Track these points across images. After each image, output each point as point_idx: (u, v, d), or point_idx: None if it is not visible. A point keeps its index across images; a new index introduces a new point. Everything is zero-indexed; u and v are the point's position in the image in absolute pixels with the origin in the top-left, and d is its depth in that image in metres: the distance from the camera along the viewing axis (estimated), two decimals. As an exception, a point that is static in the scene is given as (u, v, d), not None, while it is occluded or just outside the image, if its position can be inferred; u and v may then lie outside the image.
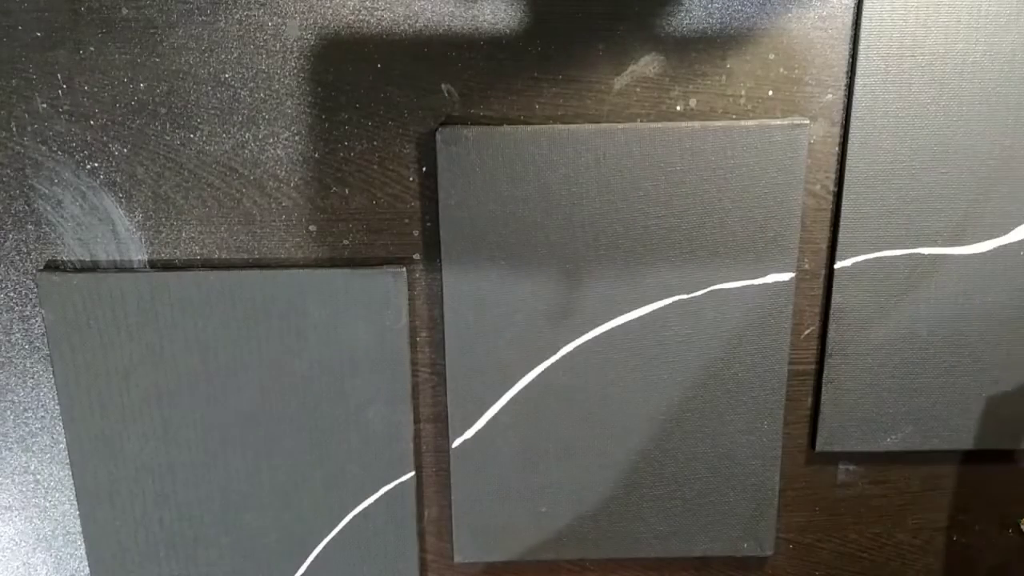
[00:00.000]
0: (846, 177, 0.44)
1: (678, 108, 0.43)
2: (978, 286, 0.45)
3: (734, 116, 0.43)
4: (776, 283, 0.45)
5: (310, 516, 0.48)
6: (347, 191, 0.44)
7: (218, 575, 0.49)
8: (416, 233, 0.45)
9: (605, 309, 0.45)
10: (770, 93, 0.43)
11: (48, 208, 0.44)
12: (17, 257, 0.45)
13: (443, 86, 0.43)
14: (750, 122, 0.43)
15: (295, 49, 0.42)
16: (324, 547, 0.48)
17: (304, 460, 0.47)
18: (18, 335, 0.46)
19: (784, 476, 0.49)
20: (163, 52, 0.42)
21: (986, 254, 0.45)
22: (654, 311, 0.45)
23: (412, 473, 0.47)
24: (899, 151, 0.43)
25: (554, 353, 0.46)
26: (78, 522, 0.49)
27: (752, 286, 0.45)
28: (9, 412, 0.47)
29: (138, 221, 0.44)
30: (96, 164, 0.43)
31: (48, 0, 0.41)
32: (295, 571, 0.48)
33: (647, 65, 0.42)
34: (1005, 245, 0.45)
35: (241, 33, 0.42)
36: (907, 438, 0.48)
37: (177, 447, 0.46)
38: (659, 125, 0.42)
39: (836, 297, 0.46)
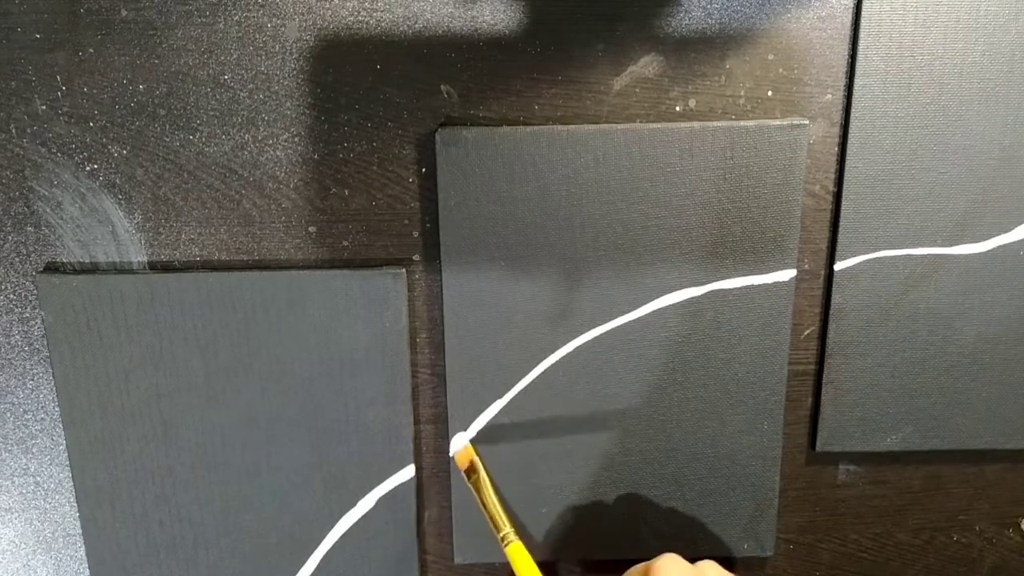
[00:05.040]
0: (846, 177, 0.44)
1: (677, 109, 0.43)
2: (978, 286, 0.45)
3: (733, 117, 0.43)
4: (776, 283, 0.45)
5: (310, 517, 0.48)
6: (346, 192, 0.44)
7: (218, 576, 0.49)
8: (416, 234, 0.45)
9: (605, 309, 0.45)
10: (769, 93, 0.43)
11: (47, 210, 0.44)
12: (16, 259, 0.45)
13: (442, 87, 0.43)
14: (749, 123, 0.43)
15: (294, 51, 0.42)
16: (324, 548, 0.48)
17: (304, 461, 0.47)
18: (17, 337, 0.46)
19: (784, 476, 0.49)
20: (162, 54, 0.42)
21: (986, 254, 0.45)
22: (654, 311, 0.45)
23: (412, 474, 0.47)
24: (899, 151, 0.43)
25: (554, 353, 0.46)
26: (78, 524, 0.49)
27: (752, 286, 0.45)
28: (9, 414, 0.47)
29: (138, 223, 0.44)
30: (96, 166, 0.43)
31: (47, 2, 0.41)
32: (296, 572, 0.48)
33: (646, 66, 0.42)
34: (1005, 245, 0.45)
35: (240, 35, 0.42)
36: (907, 438, 0.48)
37: (177, 448, 0.46)
38: (658, 126, 0.42)
39: (836, 297, 0.46)
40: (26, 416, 0.48)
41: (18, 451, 0.48)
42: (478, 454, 0.47)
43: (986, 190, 0.44)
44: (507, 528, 0.45)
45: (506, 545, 0.44)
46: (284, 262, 0.45)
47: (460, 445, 0.47)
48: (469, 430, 0.47)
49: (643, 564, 0.40)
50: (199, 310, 0.44)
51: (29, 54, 0.42)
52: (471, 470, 0.46)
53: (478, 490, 0.46)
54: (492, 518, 0.45)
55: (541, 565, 0.50)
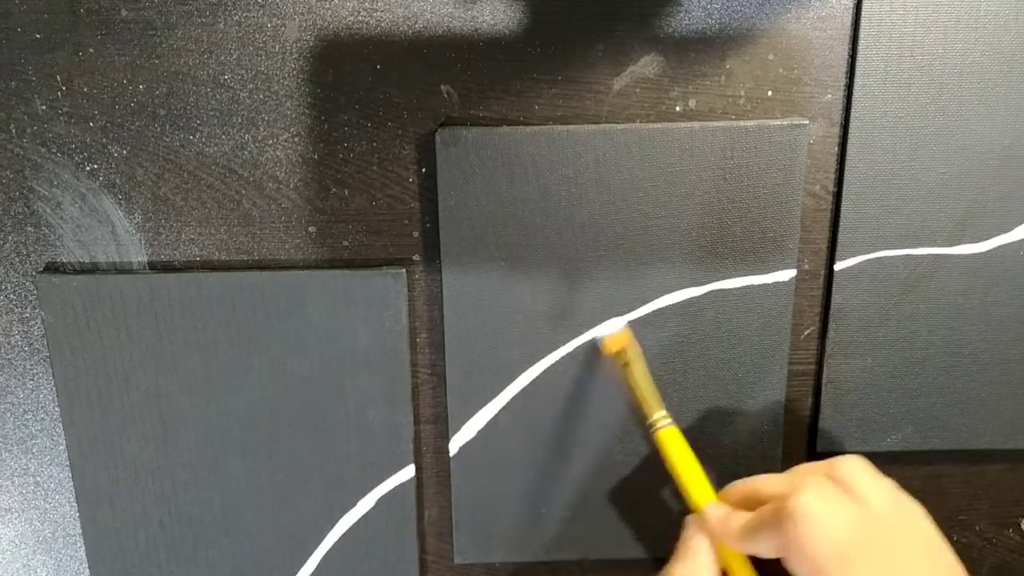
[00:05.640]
0: (846, 177, 0.44)
1: (677, 109, 0.43)
2: (978, 286, 0.45)
3: (734, 117, 0.43)
4: (776, 283, 0.45)
5: (310, 517, 0.48)
6: (346, 192, 0.44)
7: (218, 576, 0.49)
8: (416, 234, 0.45)
9: (605, 309, 0.45)
10: (769, 93, 0.43)
11: (47, 210, 0.44)
12: (16, 259, 0.45)
13: (442, 87, 0.43)
14: (750, 123, 0.43)
15: (294, 51, 0.42)
16: (324, 548, 0.48)
17: (304, 461, 0.47)
18: (17, 337, 0.46)
19: (784, 476, 0.49)
20: (162, 54, 0.42)
21: (986, 254, 0.45)
22: (654, 311, 0.45)
23: (412, 474, 0.47)
24: (899, 151, 0.43)
25: (554, 353, 0.46)
26: (78, 524, 0.49)
27: (752, 286, 0.45)
28: (9, 414, 0.47)
29: (137, 223, 0.44)
30: (96, 166, 0.43)
31: (47, 2, 0.41)
32: (296, 572, 0.48)
33: (646, 66, 0.42)
34: (1005, 245, 0.45)
35: (240, 35, 0.42)
36: (907, 438, 0.48)
37: (177, 448, 0.46)
38: (658, 126, 0.42)
39: (836, 297, 0.46)
40: (26, 416, 0.48)
41: (18, 451, 0.48)
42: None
43: (986, 190, 0.44)
44: (661, 411, 0.41)
45: (656, 431, 0.41)
46: (284, 262, 0.45)
47: (615, 328, 0.44)
48: (468, 429, 0.47)
49: (824, 461, 0.37)
50: (199, 310, 0.44)
51: (29, 54, 0.42)
52: (621, 354, 0.43)
53: (627, 375, 0.42)
54: (643, 402, 0.42)
55: (541, 565, 0.50)
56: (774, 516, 0.34)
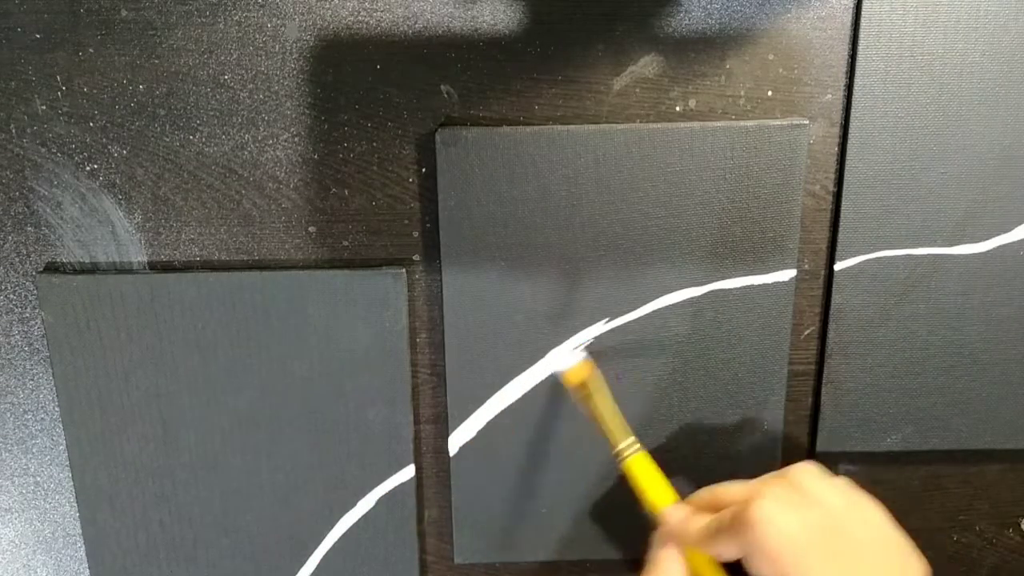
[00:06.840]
0: (845, 177, 0.44)
1: (677, 109, 0.43)
2: (978, 286, 0.45)
3: (733, 117, 0.43)
4: (776, 283, 0.45)
5: (310, 517, 0.48)
6: (346, 192, 0.44)
7: (218, 576, 0.49)
8: (416, 234, 0.45)
9: (605, 309, 0.45)
10: (769, 93, 0.43)
11: (48, 210, 0.44)
12: (16, 259, 0.45)
13: (442, 87, 0.43)
14: (749, 123, 0.43)
15: (294, 51, 0.42)
16: (324, 548, 0.48)
17: (304, 461, 0.47)
18: (18, 337, 0.46)
19: (784, 476, 0.49)
20: (162, 54, 0.42)
21: (986, 254, 0.45)
22: (654, 311, 0.45)
23: (412, 474, 0.47)
24: (899, 151, 0.43)
25: (554, 353, 0.46)
26: (78, 524, 0.49)
27: (752, 286, 0.45)
28: (9, 414, 0.47)
29: (138, 223, 0.44)
30: (96, 166, 0.43)
31: (47, 2, 0.41)
32: (296, 572, 0.48)
33: (646, 66, 0.42)
34: (1005, 245, 0.45)
35: (240, 35, 0.42)
36: (907, 438, 0.48)
37: (177, 448, 0.46)
38: (658, 126, 0.42)
39: (836, 297, 0.46)
40: (26, 416, 0.48)
41: (18, 451, 0.48)
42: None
43: (986, 190, 0.44)
44: (628, 439, 0.41)
45: (624, 459, 0.41)
46: (284, 262, 0.45)
47: (575, 360, 0.44)
48: (468, 429, 0.47)
49: (779, 470, 0.38)
50: (199, 310, 0.44)
51: (29, 54, 0.42)
52: (583, 386, 0.43)
53: (591, 406, 0.42)
54: (608, 433, 0.42)
55: (541, 565, 0.50)
56: (734, 519, 0.35)
